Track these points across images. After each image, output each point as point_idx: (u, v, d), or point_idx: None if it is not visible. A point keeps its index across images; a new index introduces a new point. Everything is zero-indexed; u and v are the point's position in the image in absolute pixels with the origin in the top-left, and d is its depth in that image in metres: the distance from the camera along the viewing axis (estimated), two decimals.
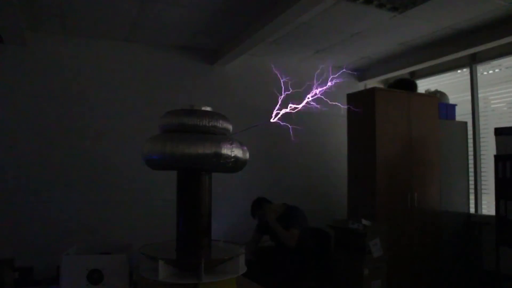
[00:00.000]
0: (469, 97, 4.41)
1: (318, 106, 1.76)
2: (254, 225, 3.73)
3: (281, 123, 1.71)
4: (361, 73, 5.26)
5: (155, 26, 3.75)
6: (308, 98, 1.73)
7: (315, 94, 1.73)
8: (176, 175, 1.66)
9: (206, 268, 1.51)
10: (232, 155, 1.54)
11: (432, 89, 4.59)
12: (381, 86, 5.21)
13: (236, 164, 1.58)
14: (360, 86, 5.25)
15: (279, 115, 1.72)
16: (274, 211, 3.48)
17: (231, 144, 1.55)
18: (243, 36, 3.74)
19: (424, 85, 4.92)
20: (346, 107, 3.89)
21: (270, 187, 4.40)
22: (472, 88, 4.39)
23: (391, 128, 3.86)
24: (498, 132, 3.42)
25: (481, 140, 4.35)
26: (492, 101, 4.32)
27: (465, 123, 4.40)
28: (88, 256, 1.98)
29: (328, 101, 1.82)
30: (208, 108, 1.65)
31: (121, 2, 3.20)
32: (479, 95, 4.36)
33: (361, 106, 3.97)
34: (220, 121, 1.62)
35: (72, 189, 3.82)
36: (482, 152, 4.35)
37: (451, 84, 4.72)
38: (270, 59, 4.68)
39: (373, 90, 3.94)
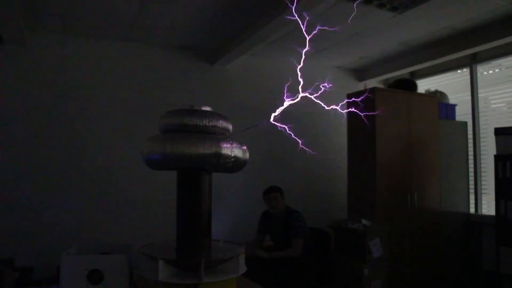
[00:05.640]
0: (469, 97, 4.41)
1: (318, 101, 1.75)
2: (254, 225, 3.73)
3: (279, 125, 1.69)
4: (361, 73, 5.26)
5: (155, 26, 3.75)
6: (309, 94, 1.72)
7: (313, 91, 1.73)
8: (176, 175, 1.66)
9: (206, 268, 1.51)
10: (232, 155, 1.54)
11: (432, 89, 4.59)
12: (381, 86, 5.21)
13: (236, 164, 1.58)
14: (360, 86, 5.25)
15: (277, 113, 1.71)
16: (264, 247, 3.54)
17: (231, 144, 1.55)
18: (243, 36, 3.74)
19: (424, 85, 4.92)
20: (345, 108, 3.87)
21: None
22: (472, 88, 4.39)
23: (391, 128, 3.86)
24: (498, 132, 3.42)
25: (481, 140, 4.35)
26: (492, 101, 4.32)
27: (465, 123, 4.40)
28: (88, 256, 1.98)
29: (325, 106, 1.81)
30: (208, 108, 1.65)
31: (121, 2, 3.20)
32: (479, 95, 4.36)
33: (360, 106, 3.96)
34: (220, 121, 1.62)
35: (72, 189, 3.82)
36: (482, 152, 4.35)
37: (451, 84, 4.72)
38: (270, 59, 4.69)
39: (373, 90, 3.94)
